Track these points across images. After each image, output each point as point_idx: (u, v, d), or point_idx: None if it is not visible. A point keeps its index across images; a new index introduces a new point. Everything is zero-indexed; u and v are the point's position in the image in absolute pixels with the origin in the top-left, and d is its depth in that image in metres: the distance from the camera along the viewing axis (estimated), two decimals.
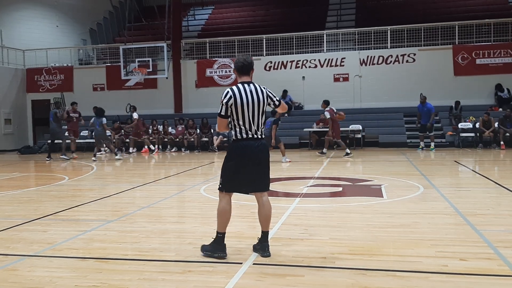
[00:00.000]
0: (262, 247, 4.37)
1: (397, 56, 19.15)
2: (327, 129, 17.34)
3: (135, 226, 5.72)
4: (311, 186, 8.59)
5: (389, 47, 19.45)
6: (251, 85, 4.34)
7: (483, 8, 21.96)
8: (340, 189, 8.22)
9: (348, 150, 14.37)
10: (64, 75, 22.35)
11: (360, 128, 17.62)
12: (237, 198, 7.17)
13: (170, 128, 19.07)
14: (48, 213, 6.58)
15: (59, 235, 5.30)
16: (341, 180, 9.29)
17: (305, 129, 17.79)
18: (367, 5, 24.61)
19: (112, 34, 26.55)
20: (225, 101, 4.26)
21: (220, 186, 4.44)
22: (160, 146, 18.63)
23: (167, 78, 19.91)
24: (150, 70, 19.81)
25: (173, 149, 18.49)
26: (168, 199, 7.72)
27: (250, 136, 4.31)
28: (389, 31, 19.54)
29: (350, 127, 17.58)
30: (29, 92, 22.65)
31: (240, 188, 4.48)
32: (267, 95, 4.40)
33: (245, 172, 4.33)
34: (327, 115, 14.70)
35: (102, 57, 23.43)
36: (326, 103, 14.82)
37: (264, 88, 4.42)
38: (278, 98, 4.54)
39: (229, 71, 20.35)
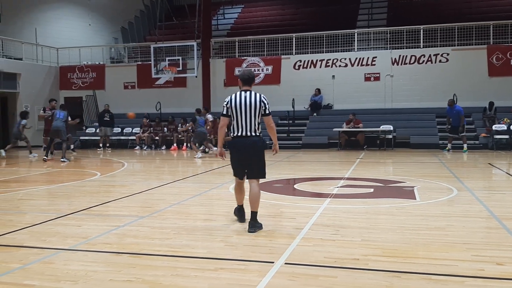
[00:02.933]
0: (249, 224, 5.26)
1: (430, 56, 18.78)
2: (358, 129, 17.19)
3: (166, 222, 5.76)
4: (341, 186, 8.49)
5: (421, 46, 19.10)
6: (248, 92, 5.31)
7: None
8: (372, 190, 8.09)
9: (199, 154, 14.80)
10: (96, 73, 22.78)
11: (391, 128, 17.35)
12: (266, 197, 7.19)
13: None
14: (81, 208, 6.71)
15: (93, 230, 5.39)
16: (372, 181, 9.15)
17: (334, 129, 17.62)
18: (399, 3, 24.24)
19: (143, 33, 26.93)
20: (224, 104, 5.35)
21: (233, 173, 5.57)
22: (188, 144, 18.76)
23: (196, 76, 20.04)
24: (180, 68, 19.99)
25: (202, 147, 18.57)
26: (197, 197, 7.75)
27: (242, 134, 5.28)
28: (421, 30, 19.19)
29: (381, 127, 17.33)
30: (62, 89, 23.17)
31: (239, 174, 5.49)
32: (260, 101, 5.27)
33: (238, 162, 5.42)
34: (210, 117, 16.03)
35: (133, 55, 23.78)
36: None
37: (260, 95, 5.31)
38: (268, 109, 5.33)
39: (258, 70, 20.35)
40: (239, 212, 5.69)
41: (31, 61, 22.06)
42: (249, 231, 5.16)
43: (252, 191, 5.29)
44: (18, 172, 11.50)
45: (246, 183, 5.51)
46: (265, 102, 5.29)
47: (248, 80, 5.39)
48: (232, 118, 5.30)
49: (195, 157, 14.83)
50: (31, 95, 21.30)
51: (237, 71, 20.62)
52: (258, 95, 5.30)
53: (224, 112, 5.34)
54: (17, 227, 5.58)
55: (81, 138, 20.84)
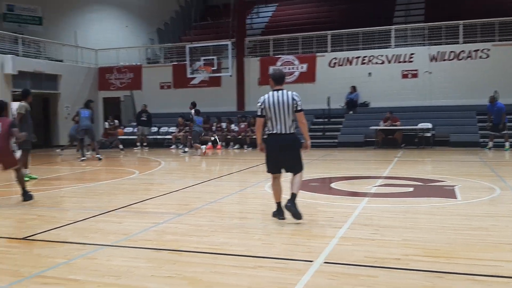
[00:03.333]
0: (290, 203, 5.53)
1: (469, 52, 18.21)
2: (395, 127, 16.86)
3: (204, 220, 5.81)
4: (379, 185, 8.35)
5: (461, 42, 18.53)
6: (280, 91, 5.52)
7: None
8: (411, 189, 7.92)
9: (186, 149, 15.45)
10: (133, 73, 23.20)
11: (430, 126, 16.92)
12: (302, 196, 7.15)
13: (233, 125, 19.29)
14: (121, 205, 6.85)
15: (133, 227, 5.49)
16: (411, 180, 8.96)
17: (371, 127, 17.34)
18: None
19: (179, 33, 27.27)
20: (258, 105, 5.59)
21: (266, 170, 5.74)
22: (223, 143, 18.90)
23: (231, 76, 20.14)
24: (215, 68, 20.14)
25: (236, 146, 18.69)
26: (234, 195, 7.80)
27: (278, 131, 5.49)
28: (461, 26, 18.63)
29: (419, 125, 16.93)
30: (101, 90, 23.72)
31: (275, 170, 5.66)
32: (292, 99, 5.47)
33: (275, 159, 5.60)
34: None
35: (168, 56, 24.10)
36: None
37: (292, 93, 5.52)
38: (300, 106, 5.52)
39: (292, 68, 20.26)
40: (279, 209, 5.72)
41: (71, 62, 22.69)
42: (286, 206, 5.54)
43: (295, 178, 5.63)
44: (59, 171, 11.86)
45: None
46: (297, 99, 5.50)
47: (279, 80, 5.60)
48: (267, 117, 5.54)
49: (199, 154, 15.38)
50: (72, 95, 21.90)
51: (271, 69, 20.54)
52: (289, 93, 5.52)
53: (259, 113, 5.59)
54: (61, 223, 5.75)
55: (119, 137, 21.28)
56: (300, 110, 5.52)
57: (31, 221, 5.93)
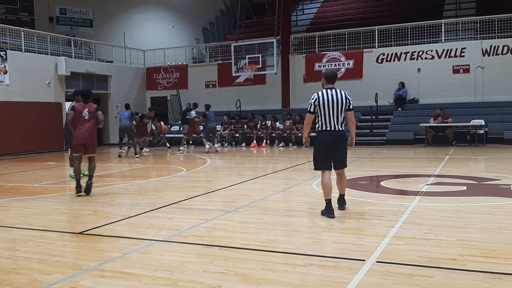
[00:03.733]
0: (340, 203, 6.08)
1: None
2: (446, 124, 16.34)
3: (252, 217, 5.84)
4: (431, 184, 8.11)
5: None
6: (333, 90, 5.73)
7: None
8: (465, 188, 7.65)
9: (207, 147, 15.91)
10: (179, 73, 23.63)
11: (483, 123, 16.29)
12: (351, 195, 7.05)
13: (277, 123, 19.27)
14: (171, 201, 6.99)
15: (184, 223, 5.59)
16: (464, 178, 8.65)
17: (421, 124, 16.87)
18: None
19: (224, 32, 27.53)
20: (312, 101, 5.73)
21: (314, 167, 5.93)
22: (268, 141, 18.93)
23: (276, 73, 20.12)
24: (260, 66, 20.18)
25: (281, 144, 18.67)
26: (281, 193, 7.79)
27: (329, 128, 5.69)
28: None
29: (471, 122, 16.33)
30: (149, 90, 24.31)
31: (326, 165, 5.81)
32: (346, 98, 5.73)
33: (326, 154, 5.78)
34: (193, 114, 16.31)
35: (214, 55, 24.38)
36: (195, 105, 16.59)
37: (345, 93, 5.77)
38: (352, 105, 5.82)
39: (339, 65, 20.01)
40: (329, 207, 5.75)
41: (120, 63, 23.38)
42: (340, 209, 6.00)
43: (343, 179, 6.00)
44: (110, 168, 12.23)
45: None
46: (349, 98, 5.79)
47: (332, 79, 5.82)
48: (319, 114, 5.73)
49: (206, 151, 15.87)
50: (121, 95, 22.57)
51: (317, 66, 20.44)
52: (343, 92, 5.77)
53: (312, 110, 5.76)
54: (115, 218, 5.94)
55: (166, 136, 21.73)
56: (352, 109, 5.82)
57: (87, 217, 6.15)
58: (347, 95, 5.75)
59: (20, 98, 17.64)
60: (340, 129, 5.73)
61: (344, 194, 6.09)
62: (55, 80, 19.27)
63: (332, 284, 3.47)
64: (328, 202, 5.75)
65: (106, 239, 4.95)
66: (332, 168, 5.85)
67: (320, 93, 5.74)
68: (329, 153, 5.76)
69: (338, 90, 5.75)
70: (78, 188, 7.75)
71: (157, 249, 4.53)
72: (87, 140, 7.78)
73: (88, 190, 7.78)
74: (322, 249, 4.41)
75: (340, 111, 5.68)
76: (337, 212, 5.87)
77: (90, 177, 7.87)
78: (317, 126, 5.83)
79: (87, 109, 7.90)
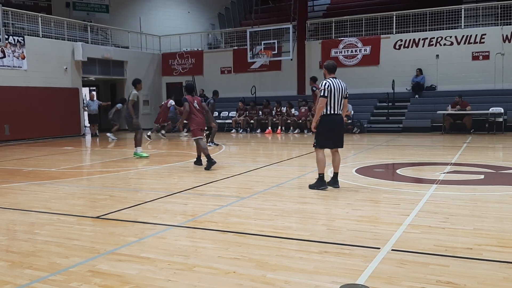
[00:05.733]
0: (334, 181, 6.76)
1: None
2: (465, 112, 16.08)
3: (267, 204, 5.85)
4: (448, 172, 8.02)
5: None
6: (336, 79, 6.58)
7: None
8: (482, 176, 7.55)
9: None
10: (194, 59, 23.60)
11: (502, 111, 16.00)
12: (367, 182, 7.02)
13: (293, 109, 19.19)
14: (187, 187, 7.04)
15: (199, 208, 5.63)
16: (482, 167, 8.53)
17: (438, 112, 16.64)
18: None
19: (239, 18, 27.35)
20: (325, 87, 6.45)
21: (315, 145, 6.73)
22: (283, 128, 18.88)
23: (291, 59, 19.97)
24: (275, 52, 20.04)
25: (296, 131, 18.61)
26: (295, 180, 7.78)
27: (335, 112, 6.53)
28: None
29: (490, 109, 16.05)
30: (164, 76, 24.34)
31: (330, 145, 6.71)
32: (345, 87, 6.63)
33: (331, 134, 6.61)
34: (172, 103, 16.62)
35: (229, 41, 24.26)
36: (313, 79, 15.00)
37: (343, 82, 6.63)
38: (348, 92, 6.72)
39: (356, 51, 19.78)
40: (323, 180, 6.64)
41: (136, 49, 23.43)
42: (335, 187, 6.69)
43: (338, 157, 6.79)
44: (126, 153, 12.32)
45: None
46: (347, 87, 6.70)
47: (333, 69, 6.64)
48: (328, 99, 6.47)
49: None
50: None
51: (333, 52, 20.23)
52: (342, 82, 6.63)
53: (326, 94, 6.46)
54: (131, 203, 6.00)
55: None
56: (347, 97, 6.74)
57: (104, 201, 6.23)
58: (345, 85, 6.65)
59: (38, 83, 17.83)
60: (341, 113, 6.63)
61: (338, 173, 6.79)
62: (72, 66, 19.41)
63: (347, 271, 3.47)
64: (322, 176, 6.62)
65: (123, 224, 5.00)
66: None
67: (329, 81, 6.50)
68: (334, 133, 6.61)
69: (339, 80, 6.60)
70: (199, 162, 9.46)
71: (173, 234, 4.57)
72: (204, 125, 9.52)
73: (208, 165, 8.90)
74: (337, 236, 4.40)
75: (342, 97, 6.55)
76: (350, 198, 5.85)
77: (207, 157, 9.00)
78: (325, 110, 6.51)
79: (196, 101, 9.21)
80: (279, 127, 18.84)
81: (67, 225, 4.99)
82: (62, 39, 19.37)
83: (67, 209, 5.80)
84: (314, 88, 14.21)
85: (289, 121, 18.92)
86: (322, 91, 6.45)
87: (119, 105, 17.29)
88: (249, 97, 20.98)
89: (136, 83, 10.88)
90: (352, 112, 17.69)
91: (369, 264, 3.59)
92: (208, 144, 13.94)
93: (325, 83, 6.47)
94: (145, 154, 11.01)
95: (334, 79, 6.55)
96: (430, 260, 3.68)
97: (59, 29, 19.61)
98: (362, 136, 16.19)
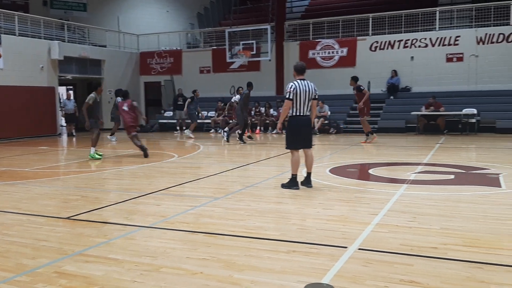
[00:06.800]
0: (307, 181, 6.86)
1: None
2: (438, 113, 16.37)
3: (241, 204, 5.88)
4: (419, 172, 8.17)
5: (511, 23, 17.68)
6: (305, 81, 6.68)
7: None
8: (452, 176, 7.71)
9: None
10: (173, 58, 23.48)
11: (475, 112, 16.34)
12: (339, 182, 7.10)
13: (272, 110, 19.26)
14: (160, 188, 7.02)
15: (171, 209, 5.62)
16: (453, 167, 8.72)
17: (412, 113, 16.92)
18: None
19: (219, 18, 27.30)
20: (291, 89, 6.57)
21: (287, 146, 6.88)
22: (262, 128, 18.93)
23: (270, 60, 20.03)
24: (254, 52, 20.08)
25: (274, 131, 18.67)
26: (271, 180, 7.81)
27: (302, 113, 6.63)
28: (511, 6, 17.75)
29: (464, 111, 16.38)
30: (142, 75, 24.15)
31: (298, 146, 6.78)
32: (314, 88, 6.70)
33: (300, 135, 6.72)
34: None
35: (208, 40, 24.21)
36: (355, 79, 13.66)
37: (312, 84, 6.71)
38: (317, 94, 6.83)
39: (333, 52, 19.95)
40: (295, 180, 6.74)
41: (114, 48, 23.19)
42: (308, 187, 6.78)
43: (311, 157, 6.87)
44: (103, 153, 12.18)
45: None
46: (316, 89, 6.75)
47: (303, 71, 6.77)
48: (294, 101, 6.58)
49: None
50: (115, 80, 22.43)
51: (311, 54, 20.36)
52: (311, 83, 6.71)
53: (291, 97, 6.59)
54: (103, 204, 5.96)
55: (160, 121, 21.71)
56: (317, 98, 6.82)
57: (75, 202, 6.17)
58: (314, 86, 6.70)
59: (14, 82, 17.52)
60: (308, 114, 6.72)
61: (311, 173, 6.88)
62: (48, 65, 19.12)
63: (313, 271, 3.52)
64: (295, 177, 6.75)
65: (93, 225, 4.97)
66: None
67: (296, 82, 6.61)
68: (302, 134, 6.71)
69: (307, 81, 6.69)
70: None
71: (142, 235, 4.56)
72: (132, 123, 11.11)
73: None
74: (307, 236, 4.45)
75: (309, 99, 6.62)
76: (322, 198, 5.92)
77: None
78: (291, 111, 6.65)
79: (126, 104, 10.82)
80: (258, 127, 18.89)
81: (37, 226, 4.94)
82: (38, 38, 19.06)
83: (38, 209, 5.73)
84: (362, 87, 13.66)
85: (267, 121, 18.98)
86: (288, 93, 6.58)
87: (118, 99, 16.47)
88: (228, 97, 20.93)
89: (97, 86, 11.30)
90: (329, 112, 17.87)
91: (335, 263, 3.65)
92: (239, 142, 13.98)
93: (291, 85, 6.59)
94: (97, 156, 10.89)
95: (302, 80, 6.65)
96: (395, 259, 3.75)
97: (35, 28, 19.29)
98: (338, 137, 16.34)
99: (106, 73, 22.09)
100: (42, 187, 7.35)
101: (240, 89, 15.27)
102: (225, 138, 14.69)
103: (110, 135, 16.10)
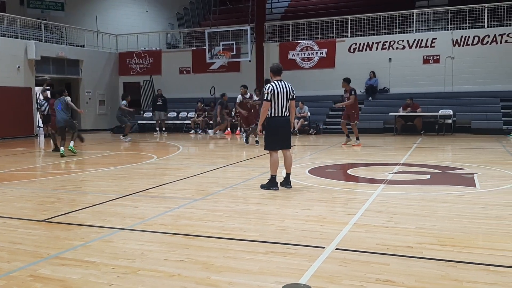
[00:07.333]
0: (286, 182, 6.90)
1: (494, 36, 17.76)
2: (415, 114, 16.60)
3: (220, 205, 5.87)
4: (396, 172, 8.29)
5: (485, 26, 18.07)
6: (282, 82, 6.72)
7: None
8: (428, 176, 7.84)
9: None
10: (152, 58, 23.31)
11: (451, 113, 16.65)
12: (318, 182, 7.16)
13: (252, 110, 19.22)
14: (139, 189, 6.97)
15: (149, 211, 5.59)
16: (429, 167, 8.87)
17: (390, 114, 17.15)
18: None
19: (198, 18, 27.22)
20: (268, 91, 6.60)
21: (265, 147, 6.91)
22: (242, 129, 18.90)
23: (250, 61, 20.05)
24: (234, 53, 20.07)
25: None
26: (250, 181, 7.82)
27: (280, 114, 6.66)
28: (486, 9, 18.15)
29: (440, 111, 16.67)
30: (121, 75, 23.92)
31: (277, 147, 6.81)
32: (291, 89, 6.73)
33: (279, 136, 6.74)
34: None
35: (188, 41, 24.12)
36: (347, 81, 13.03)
37: (289, 84, 6.75)
38: (295, 95, 6.82)
39: (312, 54, 20.08)
40: (274, 181, 6.78)
41: (92, 48, 22.92)
42: (288, 187, 6.82)
43: (289, 158, 6.91)
44: (79, 155, 12.05)
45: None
46: (293, 90, 6.78)
47: (278, 72, 6.82)
48: (272, 102, 6.62)
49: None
50: (93, 80, 22.19)
51: (290, 55, 20.47)
52: (289, 84, 6.75)
53: (269, 98, 6.62)
54: (80, 206, 5.89)
55: (139, 122, 21.53)
56: (294, 99, 6.83)
57: (51, 204, 6.09)
58: (291, 87, 6.73)
59: None
60: (287, 114, 6.74)
61: (290, 173, 6.93)
62: (25, 65, 18.81)
63: (290, 271, 3.54)
64: (274, 177, 6.77)
65: (69, 227, 4.91)
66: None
67: (273, 84, 6.63)
68: (280, 135, 6.74)
69: (285, 82, 6.73)
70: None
71: (120, 237, 4.52)
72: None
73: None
74: (285, 236, 4.47)
75: (287, 99, 6.66)
76: (300, 198, 5.95)
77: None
78: (270, 112, 6.67)
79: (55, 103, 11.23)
80: (238, 128, 18.87)
81: (12, 229, 4.86)
82: (15, 37, 18.73)
83: (13, 212, 5.64)
84: (354, 92, 13.02)
85: None
86: (266, 95, 6.61)
87: (123, 102, 16.36)
88: (209, 98, 20.92)
89: (62, 91, 12.00)
90: (309, 113, 17.99)
91: (312, 264, 3.68)
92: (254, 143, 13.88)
93: (268, 86, 6.62)
94: (62, 152, 11.45)
95: (279, 81, 6.68)
96: (371, 259, 3.80)
97: (12, 27, 18.95)
98: (318, 137, 16.46)
99: (84, 73, 21.82)
100: (18, 189, 7.22)
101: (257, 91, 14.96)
102: (244, 140, 14.46)
103: (123, 136, 15.96)
